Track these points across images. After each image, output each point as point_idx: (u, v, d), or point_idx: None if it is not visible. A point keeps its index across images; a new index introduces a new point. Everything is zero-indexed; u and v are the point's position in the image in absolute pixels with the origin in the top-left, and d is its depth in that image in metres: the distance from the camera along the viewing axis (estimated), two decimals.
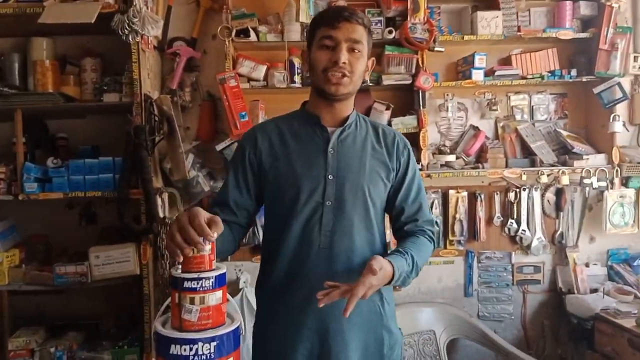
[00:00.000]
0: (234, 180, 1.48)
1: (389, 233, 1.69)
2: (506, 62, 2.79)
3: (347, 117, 1.46)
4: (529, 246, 2.80)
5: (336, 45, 1.35)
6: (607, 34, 2.64)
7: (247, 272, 2.69)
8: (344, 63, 1.35)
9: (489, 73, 2.69)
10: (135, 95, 2.27)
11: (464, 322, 2.69)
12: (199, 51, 2.65)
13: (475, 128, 2.79)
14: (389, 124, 2.58)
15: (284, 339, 1.41)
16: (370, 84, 2.58)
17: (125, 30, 2.19)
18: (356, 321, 1.39)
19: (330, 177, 1.40)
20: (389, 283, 1.29)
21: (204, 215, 1.08)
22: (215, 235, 1.06)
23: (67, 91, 2.37)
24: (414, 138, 2.61)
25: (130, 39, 2.22)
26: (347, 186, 1.40)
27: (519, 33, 2.64)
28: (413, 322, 2.64)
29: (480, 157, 2.74)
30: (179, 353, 1.04)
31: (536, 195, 2.79)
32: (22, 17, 2.24)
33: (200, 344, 1.04)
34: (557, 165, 2.70)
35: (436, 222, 2.75)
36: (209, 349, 1.05)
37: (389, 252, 1.41)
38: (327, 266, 1.38)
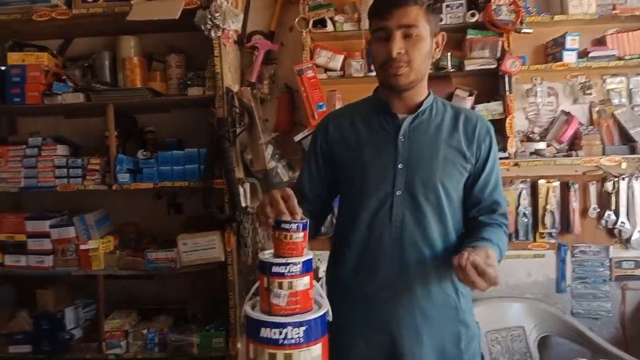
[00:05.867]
0: (308, 169, 1.50)
1: None
2: (600, 42, 2.58)
3: (421, 103, 1.39)
4: (628, 240, 2.58)
5: (389, 35, 1.29)
6: None
7: (327, 261, 2.68)
8: (398, 54, 1.28)
9: (582, 55, 2.50)
10: (217, 89, 2.34)
11: (557, 318, 2.55)
12: (277, 44, 2.67)
13: (567, 114, 2.61)
14: (473, 110, 2.47)
15: (354, 331, 1.38)
16: (452, 70, 2.49)
17: (208, 25, 2.25)
18: (430, 315, 1.35)
19: (400, 166, 1.34)
20: None
21: (294, 197, 1.12)
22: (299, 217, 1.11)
23: (154, 86, 2.48)
24: (499, 125, 2.49)
25: (212, 34, 2.28)
26: (418, 176, 1.34)
27: (614, 11, 2.45)
28: (501, 317, 2.54)
29: (574, 145, 2.57)
30: (268, 336, 1.04)
31: (637, 184, 2.56)
32: (111, 16, 2.37)
33: (289, 328, 1.05)
34: None
35: (524, 213, 2.62)
36: (298, 333, 1.05)
37: (469, 240, 1.32)
38: (399, 258, 1.35)
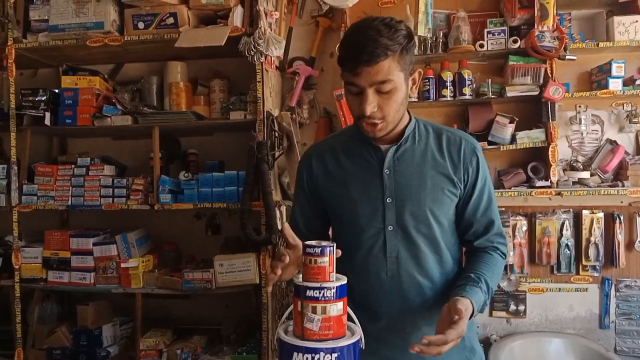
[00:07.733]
0: (299, 206, 1.48)
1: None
2: None
3: (404, 131, 1.34)
4: None
5: (361, 92, 1.22)
6: None
7: None
8: (372, 112, 1.22)
9: (629, 82, 2.44)
10: (258, 113, 2.38)
11: (600, 356, 2.42)
12: (317, 69, 2.72)
13: (613, 142, 2.54)
14: (514, 137, 2.44)
15: None
16: (493, 97, 2.47)
17: (252, 52, 2.32)
18: None
19: (388, 200, 1.31)
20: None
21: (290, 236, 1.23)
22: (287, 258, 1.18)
23: (198, 110, 2.55)
24: (541, 153, 2.46)
25: (255, 60, 2.35)
26: (407, 209, 1.31)
27: None
28: (540, 353, 2.44)
29: (619, 175, 2.49)
30: None
31: None
32: (160, 42, 2.47)
33: (322, 353, 1.04)
34: None
35: (567, 244, 2.54)
36: (331, 359, 1.04)
37: (461, 277, 1.31)
38: (398, 294, 1.32)
